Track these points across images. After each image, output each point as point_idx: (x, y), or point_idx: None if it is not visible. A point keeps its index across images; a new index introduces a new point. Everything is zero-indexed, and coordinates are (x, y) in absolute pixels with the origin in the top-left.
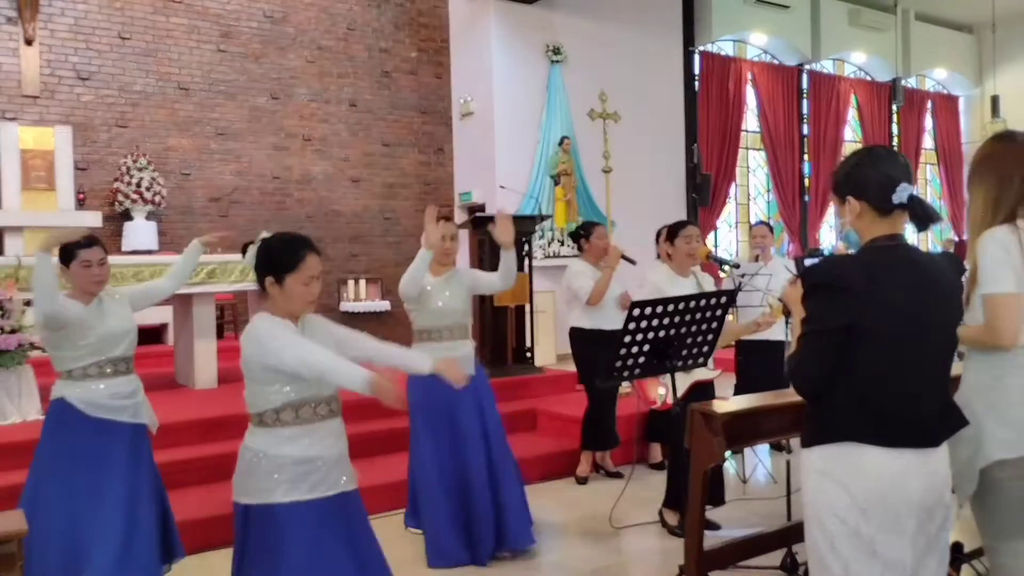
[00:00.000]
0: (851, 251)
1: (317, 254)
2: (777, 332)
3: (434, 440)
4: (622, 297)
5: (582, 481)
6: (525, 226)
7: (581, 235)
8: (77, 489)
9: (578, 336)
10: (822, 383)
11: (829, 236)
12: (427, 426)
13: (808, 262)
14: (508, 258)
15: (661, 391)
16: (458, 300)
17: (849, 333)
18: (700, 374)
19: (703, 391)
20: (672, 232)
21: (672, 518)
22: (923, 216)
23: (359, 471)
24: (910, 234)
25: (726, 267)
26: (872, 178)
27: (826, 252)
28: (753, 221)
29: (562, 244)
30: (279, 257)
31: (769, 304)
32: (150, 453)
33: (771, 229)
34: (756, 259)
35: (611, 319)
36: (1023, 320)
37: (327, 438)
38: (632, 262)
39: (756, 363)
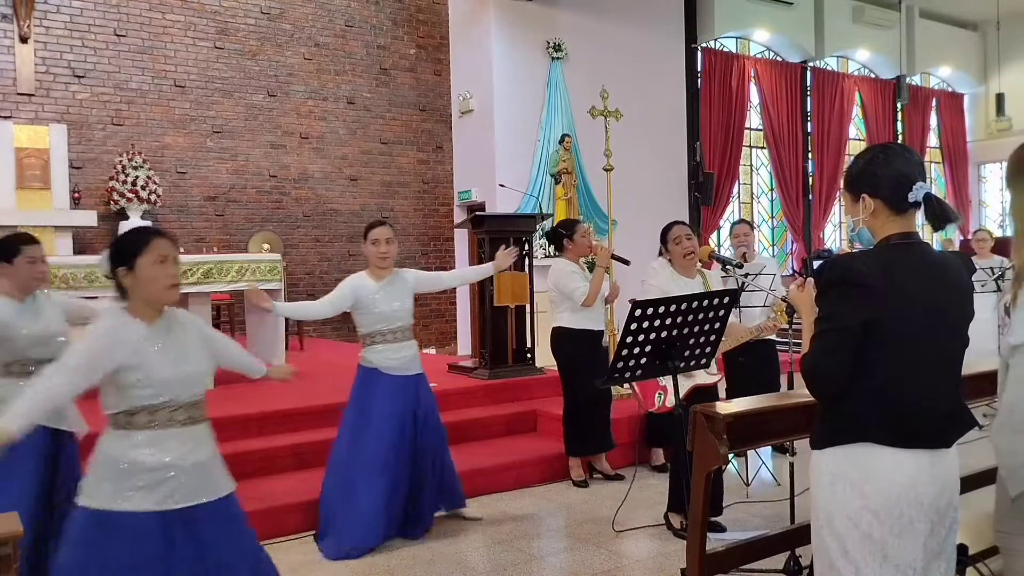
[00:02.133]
0: (856, 249)
1: (168, 240)
2: None
3: (379, 436)
4: (612, 287)
5: (581, 484)
6: (525, 225)
7: (563, 234)
8: None
9: (564, 336)
10: (839, 382)
11: (833, 235)
12: (371, 424)
13: (816, 263)
14: (483, 271)
15: (660, 396)
16: (400, 302)
17: (867, 331)
18: (701, 377)
19: (705, 395)
20: (662, 237)
21: (677, 520)
22: (940, 215)
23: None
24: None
25: (729, 267)
26: (888, 176)
27: (834, 252)
28: (758, 220)
29: None
30: (125, 245)
31: (775, 310)
32: (71, 461)
33: (752, 227)
34: (743, 257)
35: (598, 319)
36: None
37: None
38: (625, 262)
39: (747, 364)
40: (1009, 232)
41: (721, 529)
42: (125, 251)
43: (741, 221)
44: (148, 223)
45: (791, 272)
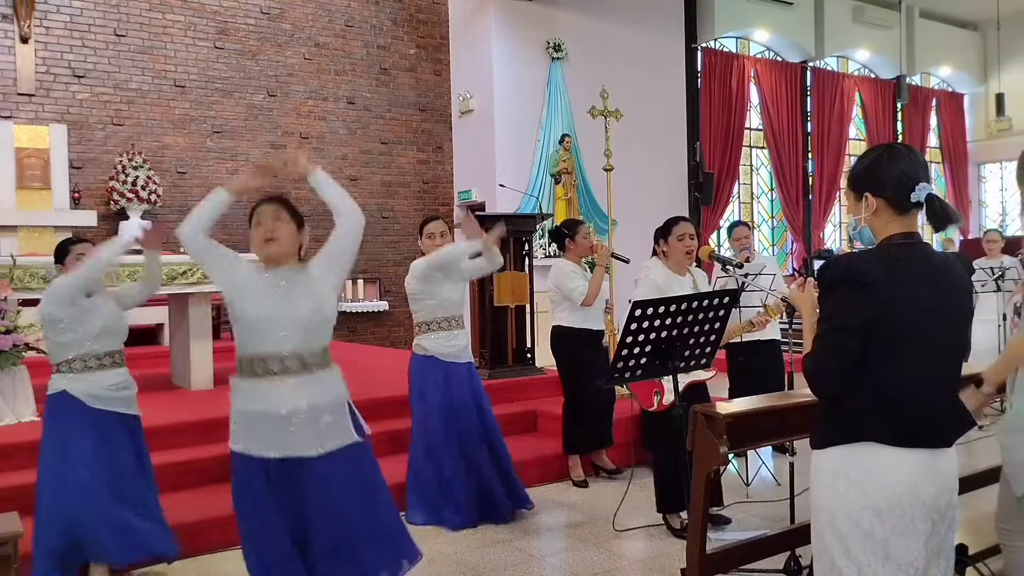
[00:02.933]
0: (857, 248)
1: (269, 204)
2: (771, 332)
3: (443, 421)
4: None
5: (581, 484)
6: (525, 225)
7: (565, 234)
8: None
9: (564, 335)
10: (842, 382)
11: (833, 235)
12: (434, 410)
13: (817, 263)
14: (488, 251)
15: (657, 395)
16: (457, 292)
17: (868, 330)
18: (695, 374)
19: (697, 392)
20: (665, 230)
21: (676, 520)
22: (942, 216)
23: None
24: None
25: (729, 267)
26: (891, 175)
27: (834, 252)
28: (758, 220)
29: None
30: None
31: (765, 305)
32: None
33: (750, 227)
34: (747, 260)
35: (597, 319)
36: None
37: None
38: (625, 260)
39: (750, 364)
40: (1009, 232)
41: (726, 521)
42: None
43: (740, 223)
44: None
45: (791, 272)
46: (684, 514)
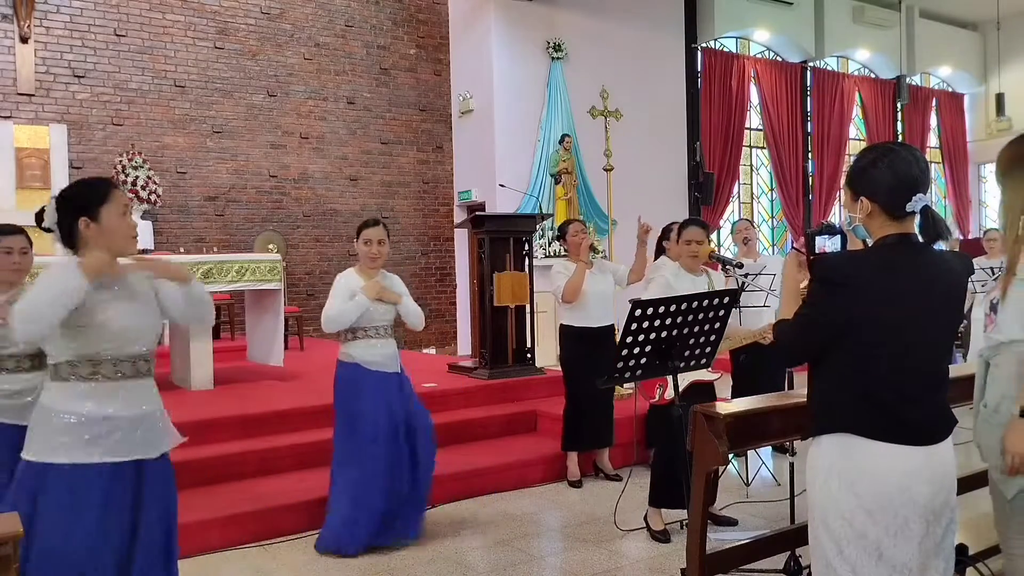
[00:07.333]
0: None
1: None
2: None
3: (360, 439)
4: (635, 271)
5: (575, 484)
6: (525, 225)
7: (559, 236)
8: None
9: (565, 333)
10: (800, 360)
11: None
12: (354, 426)
13: (819, 239)
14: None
15: (660, 388)
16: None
17: (856, 328)
18: (699, 374)
19: (703, 392)
20: (678, 232)
21: (657, 523)
22: (933, 232)
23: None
24: None
25: (729, 267)
26: (888, 183)
27: (836, 225)
28: (758, 220)
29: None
30: (87, 194)
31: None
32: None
33: (752, 224)
34: (744, 242)
35: (596, 316)
36: None
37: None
38: (596, 251)
39: (753, 363)
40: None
41: (732, 522)
42: (87, 202)
43: (743, 220)
44: (148, 223)
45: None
46: (666, 511)
